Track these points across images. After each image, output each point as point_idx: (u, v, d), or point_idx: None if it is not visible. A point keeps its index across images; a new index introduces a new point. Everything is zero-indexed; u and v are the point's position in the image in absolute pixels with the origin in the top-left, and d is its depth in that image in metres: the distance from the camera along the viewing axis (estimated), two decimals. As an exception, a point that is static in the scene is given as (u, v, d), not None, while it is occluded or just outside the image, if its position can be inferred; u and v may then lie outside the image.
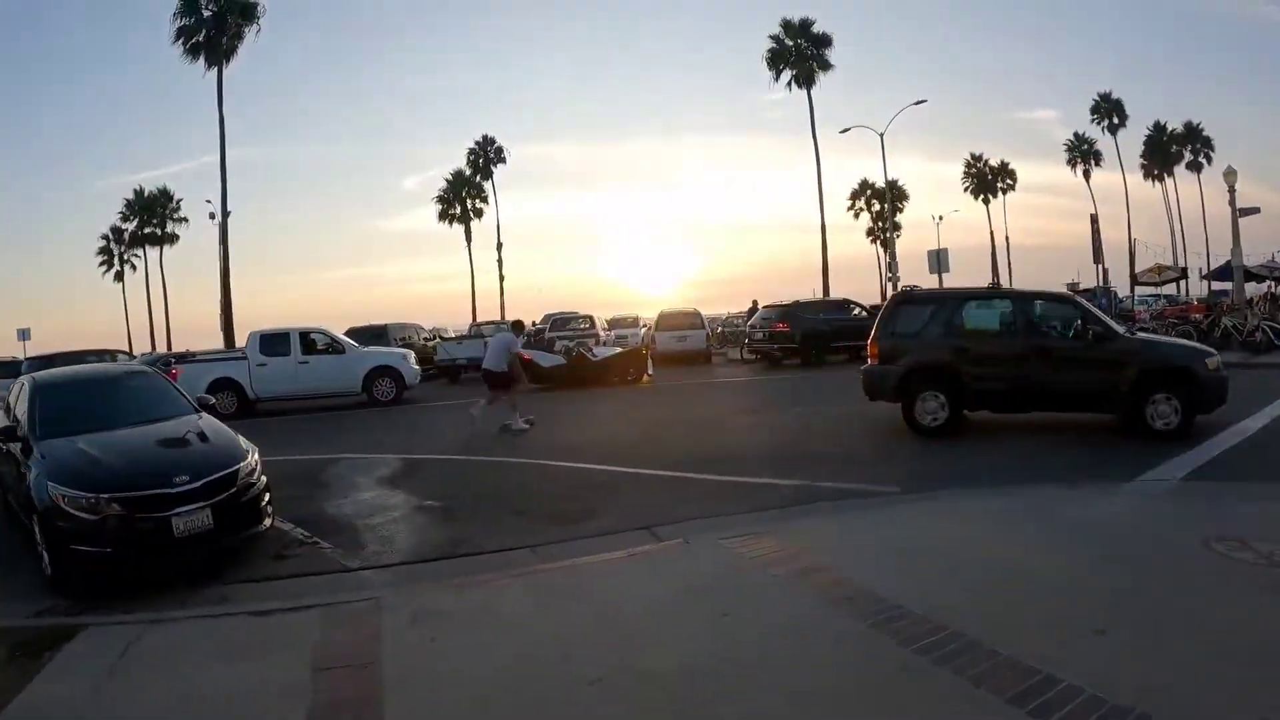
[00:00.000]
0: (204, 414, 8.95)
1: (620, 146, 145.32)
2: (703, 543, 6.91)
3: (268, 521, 7.89)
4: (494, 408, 15.60)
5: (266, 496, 7.90)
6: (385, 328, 29.51)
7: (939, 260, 28.24)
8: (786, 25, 55.79)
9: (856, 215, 76.55)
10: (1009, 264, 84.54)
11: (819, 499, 8.48)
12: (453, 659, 4.92)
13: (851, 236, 76.33)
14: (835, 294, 43.73)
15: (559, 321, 34.42)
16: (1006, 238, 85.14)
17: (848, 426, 13.47)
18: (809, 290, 54.25)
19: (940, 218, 77.82)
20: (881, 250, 71.68)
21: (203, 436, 8.03)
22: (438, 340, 31.08)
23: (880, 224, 62.40)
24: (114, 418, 8.29)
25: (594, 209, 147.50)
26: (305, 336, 22.07)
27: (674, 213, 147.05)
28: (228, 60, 44.93)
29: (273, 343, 21.93)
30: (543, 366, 22.97)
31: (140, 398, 9.00)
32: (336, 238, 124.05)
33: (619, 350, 25.63)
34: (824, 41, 55.68)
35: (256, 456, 8.03)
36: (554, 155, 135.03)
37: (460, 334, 35.21)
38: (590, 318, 34.34)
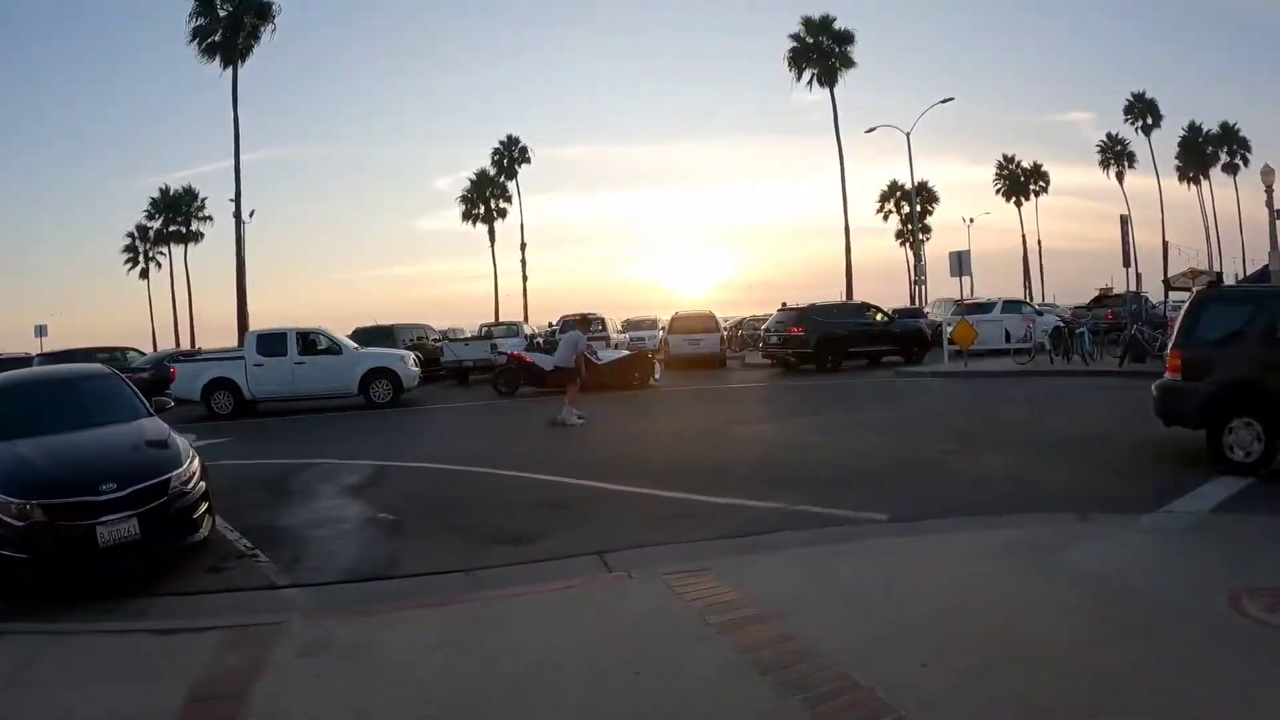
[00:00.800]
0: (155, 418, 8.68)
1: (648, 147, 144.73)
2: (647, 577, 6.17)
3: (203, 532, 7.57)
4: (571, 403, 16.43)
5: (204, 506, 7.59)
6: (392, 328, 29.20)
7: (960, 262, 27.48)
8: (808, 23, 55.45)
9: (885, 217, 75.84)
10: (1040, 267, 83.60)
11: (796, 526, 7.65)
12: (318, 701, 4.53)
13: (882, 240, 75.67)
14: (864, 297, 43.02)
15: (569, 324, 33.90)
16: (1039, 241, 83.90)
17: (846, 441, 12.76)
18: (841, 293, 53.55)
19: (971, 220, 76.84)
20: (911, 253, 71.12)
21: (141, 443, 7.78)
22: (445, 341, 30.65)
23: (909, 226, 61.62)
24: (61, 421, 8.05)
25: (625, 210, 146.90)
26: (304, 337, 21.71)
27: (707, 214, 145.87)
28: (243, 60, 45.13)
29: (270, 342, 21.60)
30: (543, 370, 22.48)
31: (91, 401, 8.69)
32: (369, 238, 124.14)
33: (624, 354, 24.86)
34: (846, 38, 55.24)
35: (196, 464, 7.73)
36: (581, 156, 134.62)
37: (468, 335, 34.87)
38: (601, 319, 33.43)
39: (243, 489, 10.67)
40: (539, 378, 22.30)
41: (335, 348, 21.84)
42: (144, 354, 32.37)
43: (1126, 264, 28.11)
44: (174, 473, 7.32)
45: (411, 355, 22.80)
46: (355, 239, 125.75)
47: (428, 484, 10.96)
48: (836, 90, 55.45)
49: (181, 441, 7.99)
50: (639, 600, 5.77)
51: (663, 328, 36.02)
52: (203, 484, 7.70)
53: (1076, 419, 14.32)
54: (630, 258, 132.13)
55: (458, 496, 10.04)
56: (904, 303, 45.50)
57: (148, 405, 8.93)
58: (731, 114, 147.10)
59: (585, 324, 19.48)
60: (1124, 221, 28.33)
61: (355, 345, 23.02)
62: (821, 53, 55.19)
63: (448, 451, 13.44)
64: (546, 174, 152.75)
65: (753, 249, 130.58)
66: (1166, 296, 40.69)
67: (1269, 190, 26.80)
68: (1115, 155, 79.74)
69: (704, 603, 5.50)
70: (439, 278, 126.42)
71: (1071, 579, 5.79)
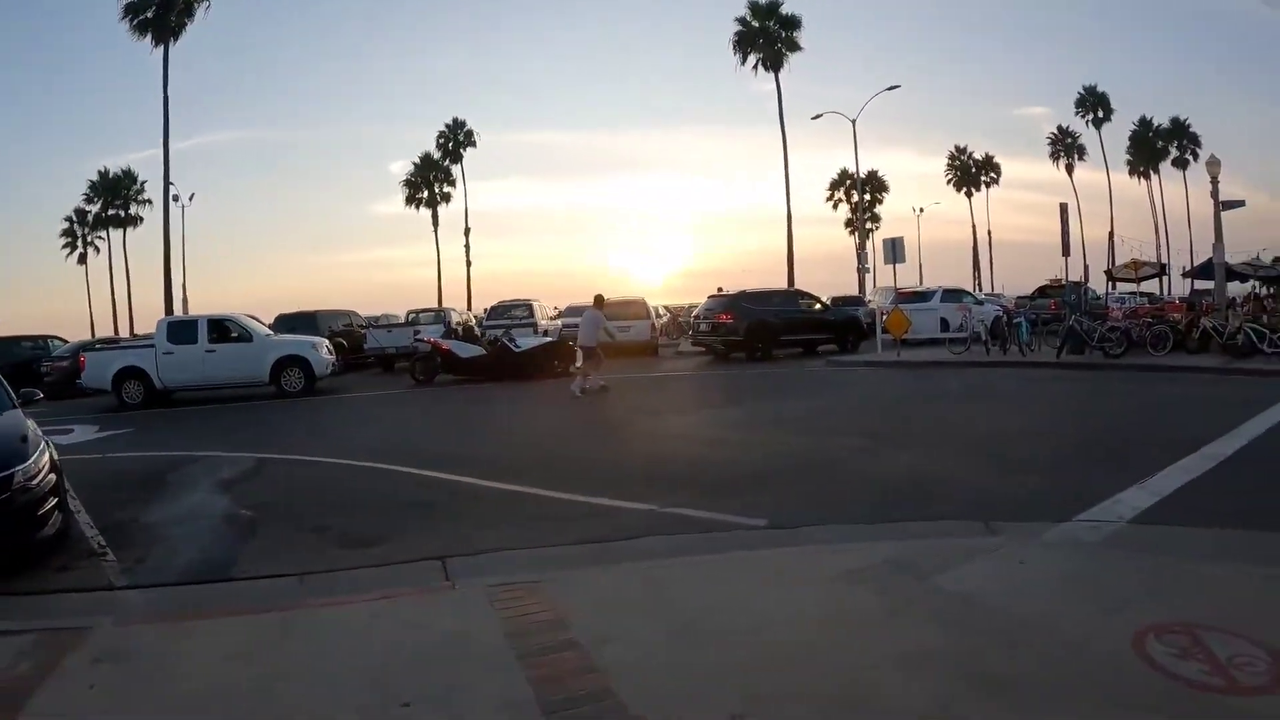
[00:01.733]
0: (17, 410, 8.29)
1: (604, 134, 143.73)
2: (472, 589, 5.59)
3: (51, 528, 7.14)
4: (589, 377, 18.03)
5: (52, 502, 7.18)
6: (315, 314, 28.28)
7: (894, 250, 27.14)
8: (754, 7, 55.06)
9: (835, 206, 75.87)
10: (990, 258, 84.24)
11: (665, 531, 7.01)
12: (84, 713, 4.17)
13: (833, 229, 75.73)
14: (814, 286, 42.73)
15: (499, 310, 33.31)
16: (989, 232, 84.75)
17: (754, 435, 12.18)
18: (791, 281, 53.33)
19: (921, 210, 77.25)
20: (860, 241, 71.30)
21: None
22: (369, 328, 29.83)
23: (858, 215, 61.56)
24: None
25: (579, 197, 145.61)
26: (216, 324, 21.04)
27: (663, 201, 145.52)
28: (176, 37, 44.06)
29: (180, 330, 20.98)
30: (461, 358, 21.68)
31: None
32: (323, 222, 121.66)
33: (545, 341, 24.14)
34: (793, 24, 55.06)
35: (46, 458, 7.33)
36: (532, 142, 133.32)
37: (390, 322, 33.85)
38: (529, 305, 32.75)
39: (122, 484, 10.34)
40: (456, 365, 21.67)
41: (247, 335, 20.99)
42: (67, 342, 31.16)
43: (1066, 253, 27.81)
44: (19, 467, 6.93)
45: (325, 342, 22.04)
46: (309, 223, 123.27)
47: (305, 479, 10.39)
48: (784, 76, 55.40)
49: (35, 435, 7.63)
50: (451, 617, 5.14)
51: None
52: (53, 478, 7.32)
53: (1003, 413, 13.90)
54: (586, 245, 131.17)
55: (330, 493, 9.48)
56: (853, 291, 45.38)
57: (13, 397, 8.57)
58: (688, 100, 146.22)
59: (601, 301, 19.79)
60: (1063, 210, 28.00)
61: (268, 332, 22.28)
62: (768, 37, 54.86)
63: (342, 444, 12.83)
64: (500, 159, 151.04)
65: (710, 236, 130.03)
66: (1109, 287, 40.88)
67: (1215, 182, 26.61)
68: (1066, 148, 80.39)
69: (519, 623, 4.88)
70: (395, 263, 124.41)
71: (947, 612, 4.93)
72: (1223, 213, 26.35)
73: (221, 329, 21.01)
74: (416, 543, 7.11)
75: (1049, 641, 4.43)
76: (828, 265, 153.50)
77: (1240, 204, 27.99)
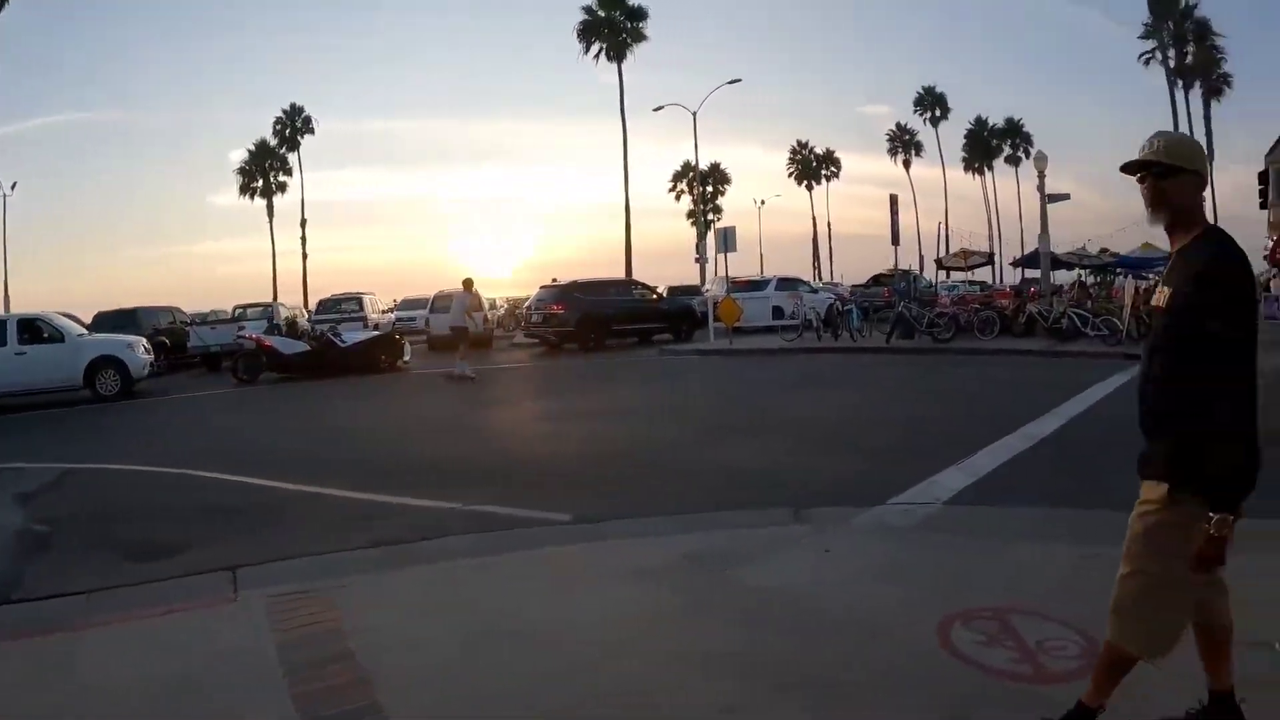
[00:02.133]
0: None
1: (448, 123, 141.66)
2: (255, 600, 5.36)
3: None
4: (463, 358, 19.31)
5: None
6: (135, 311, 26.76)
7: (726, 239, 27.84)
8: (600, -4, 55.16)
9: (678, 197, 76.72)
10: (830, 249, 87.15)
11: (471, 529, 6.85)
12: None
13: (676, 220, 76.61)
14: (656, 277, 43.27)
15: (328, 304, 32.38)
16: (829, 224, 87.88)
17: (572, 427, 12.30)
18: (637, 273, 53.81)
19: (763, 202, 79.15)
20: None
21: None
22: (191, 326, 28.45)
23: (699, 206, 62.54)
24: None
25: (427, 187, 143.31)
26: (27, 324, 19.61)
27: (512, 192, 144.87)
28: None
29: (-14, 332, 19.38)
30: (284, 355, 20.94)
31: None
32: (153, 212, 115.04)
33: (372, 335, 23.67)
34: (639, 15, 55.56)
35: None
36: (375, 131, 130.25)
37: (217, 318, 32.41)
38: (360, 299, 31.97)
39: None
40: (280, 363, 20.95)
41: (59, 335, 19.79)
42: None
43: (895, 242, 29.05)
44: None
45: (142, 341, 20.87)
46: (144, 214, 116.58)
47: (109, 489, 9.82)
48: (630, 67, 56.24)
49: None
50: (228, 633, 4.90)
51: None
52: None
53: (827, 399, 14.36)
54: (431, 237, 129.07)
55: (134, 503, 8.98)
56: (695, 282, 46.03)
57: None
58: (536, 90, 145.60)
59: (470, 284, 21.30)
60: (893, 201, 29.23)
61: (82, 332, 20.99)
62: (613, 27, 55.15)
63: (154, 450, 12.22)
64: (340, 148, 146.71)
65: (559, 227, 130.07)
66: (938, 275, 42.87)
67: (1041, 176, 28.39)
68: (904, 144, 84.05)
69: (295, 635, 4.71)
70: (238, 256, 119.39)
71: (746, 608, 4.82)
72: (1049, 205, 28.05)
73: (33, 329, 19.60)
74: (217, 552, 6.79)
75: (849, 635, 4.33)
76: (673, 256, 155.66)
77: (1065, 197, 29.77)
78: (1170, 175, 2.88)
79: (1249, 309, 2.74)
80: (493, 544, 6.46)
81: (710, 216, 66.60)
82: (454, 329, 20.58)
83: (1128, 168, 3.01)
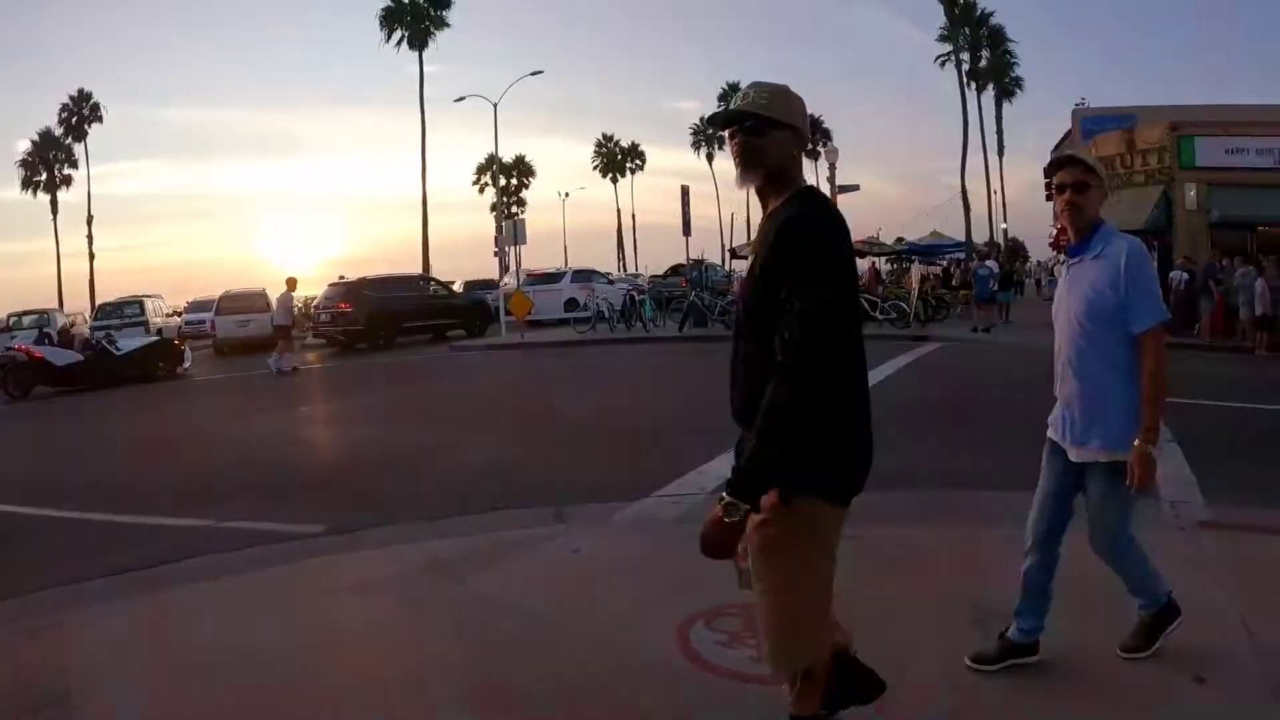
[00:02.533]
0: None
1: (249, 113, 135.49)
2: None
3: None
4: (286, 355, 20.18)
5: None
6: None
7: (515, 231, 27.72)
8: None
9: (482, 190, 76.03)
10: (635, 241, 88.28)
11: (215, 549, 6.37)
12: None
13: (479, 214, 75.64)
14: (458, 271, 42.54)
15: (107, 309, 30.13)
16: (634, 216, 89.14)
17: (339, 432, 12.09)
18: (440, 267, 52.91)
19: (567, 195, 79.28)
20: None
21: None
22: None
23: (502, 199, 62.08)
24: None
25: (228, 181, 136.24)
26: None
27: (317, 186, 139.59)
28: None
29: None
30: (56, 366, 19.15)
31: None
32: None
33: (148, 342, 22.14)
34: (442, 2, 54.82)
35: None
36: (170, 120, 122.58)
37: None
38: (140, 303, 29.83)
39: None
40: (52, 375, 19.17)
41: None
42: None
43: (686, 233, 29.71)
44: None
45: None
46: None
47: None
48: (436, 57, 56.77)
49: None
50: None
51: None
52: None
53: (610, 390, 14.59)
54: (232, 233, 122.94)
55: None
56: (496, 275, 45.52)
57: None
58: (341, 79, 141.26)
59: (293, 284, 22.07)
60: (684, 192, 29.90)
61: None
62: (417, 14, 53.98)
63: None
64: (133, 138, 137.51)
65: (363, 222, 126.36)
66: (731, 264, 44.23)
67: (832, 168, 30.51)
68: (707, 138, 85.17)
69: (6, 679, 4.25)
70: (27, 258, 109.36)
71: (474, 618, 4.63)
72: (840, 195, 29.52)
73: None
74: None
75: (578, 643, 4.15)
76: (478, 250, 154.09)
77: (855, 188, 32.10)
78: (767, 131, 2.53)
79: (826, 272, 2.38)
80: (234, 564, 6.06)
81: (514, 210, 66.19)
82: (278, 327, 21.23)
83: (714, 120, 2.71)
